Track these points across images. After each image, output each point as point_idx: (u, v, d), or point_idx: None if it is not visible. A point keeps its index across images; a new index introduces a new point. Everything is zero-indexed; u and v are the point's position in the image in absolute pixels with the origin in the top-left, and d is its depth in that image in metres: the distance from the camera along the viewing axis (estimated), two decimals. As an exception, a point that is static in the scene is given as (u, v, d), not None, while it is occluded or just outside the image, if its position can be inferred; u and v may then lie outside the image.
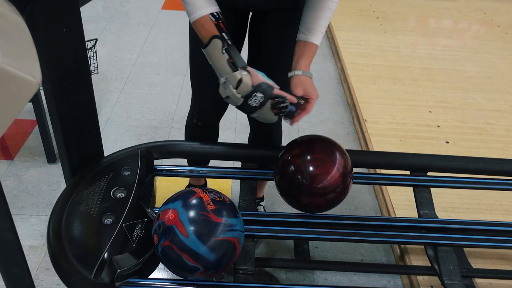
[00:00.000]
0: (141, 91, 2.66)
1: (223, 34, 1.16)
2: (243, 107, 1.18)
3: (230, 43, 1.16)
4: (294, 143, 1.30)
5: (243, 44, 1.46)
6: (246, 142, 1.73)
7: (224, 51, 1.14)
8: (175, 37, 3.27)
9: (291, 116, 1.24)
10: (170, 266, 1.05)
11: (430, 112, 2.52)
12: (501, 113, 2.57)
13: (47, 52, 1.13)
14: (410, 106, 2.56)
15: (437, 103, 2.60)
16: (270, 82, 1.18)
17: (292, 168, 1.23)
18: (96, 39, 2.23)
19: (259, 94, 1.14)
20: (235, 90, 1.13)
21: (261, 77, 1.17)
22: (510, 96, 2.72)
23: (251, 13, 1.41)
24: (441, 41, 3.38)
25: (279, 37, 1.38)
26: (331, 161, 1.21)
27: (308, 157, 1.23)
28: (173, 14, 3.62)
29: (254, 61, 1.45)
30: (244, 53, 1.35)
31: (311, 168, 1.21)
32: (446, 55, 3.18)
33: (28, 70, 0.70)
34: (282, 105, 1.17)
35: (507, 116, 2.54)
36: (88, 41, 2.40)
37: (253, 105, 1.16)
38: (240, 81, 1.13)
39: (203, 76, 1.45)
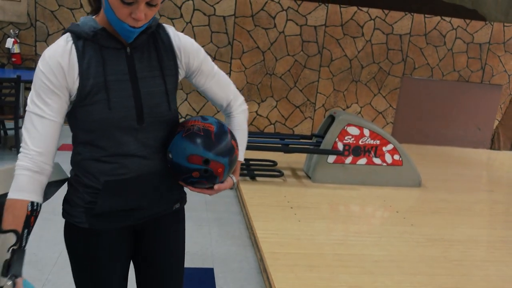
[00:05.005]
0: (60, 292, 2.61)
1: (25, 231, 1.18)
2: None
3: (24, 244, 1.17)
4: None
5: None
6: None
7: (10, 250, 1.13)
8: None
9: None
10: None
11: (344, 297, 2.67)
12: (408, 294, 2.78)
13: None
14: (326, 292, 2.70)
15: (350, 288, 2.78)
16: None
17: None
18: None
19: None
20: None
21: None
22: (414, 277, 2.98)
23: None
24: (350, 227, 3.73)
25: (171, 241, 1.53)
26: None
27: None
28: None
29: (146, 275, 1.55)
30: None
31: None
32: (356, 240, 3.49)
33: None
34: None
35: (414, 297, 2.75)
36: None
37: None
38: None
39: None
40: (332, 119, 4.92)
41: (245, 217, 3.86)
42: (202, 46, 6.31)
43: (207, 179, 1.35)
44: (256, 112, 6.59)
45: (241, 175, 4.71)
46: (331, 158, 4.72)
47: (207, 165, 1.31)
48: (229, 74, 6.32)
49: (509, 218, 4.37)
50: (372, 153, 4.79)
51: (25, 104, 5.14)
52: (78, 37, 1.27)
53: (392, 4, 6.55)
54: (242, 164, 4.96)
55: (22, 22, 5.77)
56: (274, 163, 5.13)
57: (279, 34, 6.38)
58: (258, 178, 4.66)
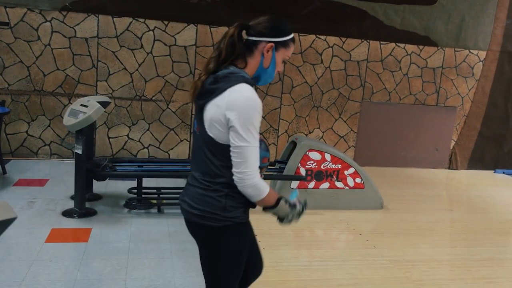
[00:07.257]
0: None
1: (282, 196, 1.89)
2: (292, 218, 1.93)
3: (287, 198, 1.90)
4: None
5: None
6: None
7: (288, 205, 1.90)
8: (58, 270, 3.23)
9: None
10: None
11: (309, 324, 2.66)
12: (372, 317, 2.79)
13: None
14: (290, 320, 2.69)
15: (314, 314, 2.78)
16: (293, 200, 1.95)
17: None
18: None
19: (298, 207, 1.95)
20: (291, 216, 1.92)
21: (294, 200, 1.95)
22: (377, 300, 3.01)
23: None
24: (314, 252, 3.74)
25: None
26: None
27: None
28: (57, 246, 3.62)
29: None
30: None
31: None
32: (320, 265, 3.50)
33: None
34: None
35: (377, 320, 2.77)
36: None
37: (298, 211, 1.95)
38: (297, 210, 1.94)
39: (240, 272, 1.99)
40: (294, 145, 4.98)
41: (209, 246, 3.81)
42: (163, 76, 6.27)
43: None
44: (220, 140, 6.59)
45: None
46: (294, 184, 4.76)
47: (268, 161, 2.04)
48: (192, 103, 6.34)
49: (468, 236, 4.49)
50: (334, 177, 4.86)
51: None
52: (251, 85, 1.84)
53: (348, 32, 6.78)
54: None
55: (-23, 55, 5.64)
56: (238, 191, 5.12)
57: (240, 63, 6.47)
58: (222, 206, 4.62)
